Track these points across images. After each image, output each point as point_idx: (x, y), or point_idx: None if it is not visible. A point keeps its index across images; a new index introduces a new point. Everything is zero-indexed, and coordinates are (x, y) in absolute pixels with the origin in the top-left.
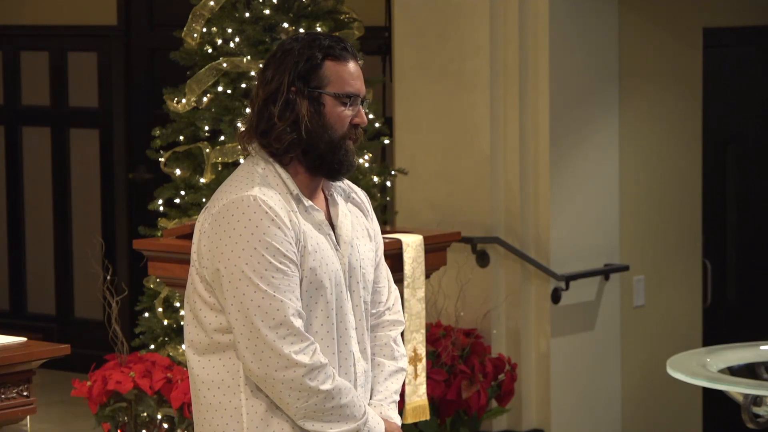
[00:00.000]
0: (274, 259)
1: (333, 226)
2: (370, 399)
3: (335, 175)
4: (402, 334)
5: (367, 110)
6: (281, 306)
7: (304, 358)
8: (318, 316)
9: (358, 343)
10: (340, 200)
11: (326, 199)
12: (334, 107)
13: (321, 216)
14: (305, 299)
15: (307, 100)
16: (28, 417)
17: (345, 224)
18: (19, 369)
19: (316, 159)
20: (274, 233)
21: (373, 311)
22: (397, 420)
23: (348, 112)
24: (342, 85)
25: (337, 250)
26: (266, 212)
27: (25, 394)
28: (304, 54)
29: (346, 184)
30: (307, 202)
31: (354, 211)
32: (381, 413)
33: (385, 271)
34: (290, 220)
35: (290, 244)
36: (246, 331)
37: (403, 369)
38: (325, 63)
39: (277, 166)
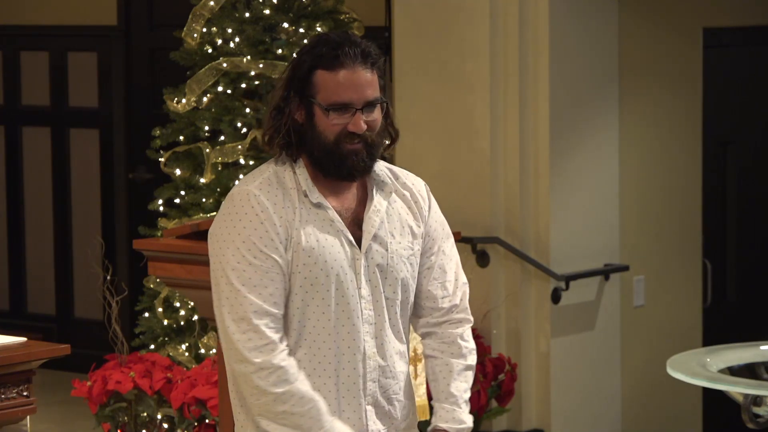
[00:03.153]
0: (249, 254)
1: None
2: (443, 402)
3: (341, 178)
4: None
5: (365, 115)
6: (244, 302)
7: (255, 356)
8: (315, 312)
9: (375, 338)
10: (377, 196)
11: (363, 195)
12: (323, 115)
13: (331, 213)
14: (300, 294)
15: (304, 106)
16: (28, 417)
17: (373, 220)
18: (19, 369)
19: (316, 163)
20: (255, 228)
21: (437, 307)
22: (469, 421)
23: (337, 120)
24: (329, 95)
25: (352, 246)
26: (253, 207)
27: (25, 394)
28: (299, 60)
29: (401, 180)
30: (316, 199)
31: (397, 207)
32: (454, 417)
33: (451, 267)
34: (281, 217)
35: (272, 240)
36: (218, 320)
37: (471, 366)
38: (316, 72)
39: (296, 163)
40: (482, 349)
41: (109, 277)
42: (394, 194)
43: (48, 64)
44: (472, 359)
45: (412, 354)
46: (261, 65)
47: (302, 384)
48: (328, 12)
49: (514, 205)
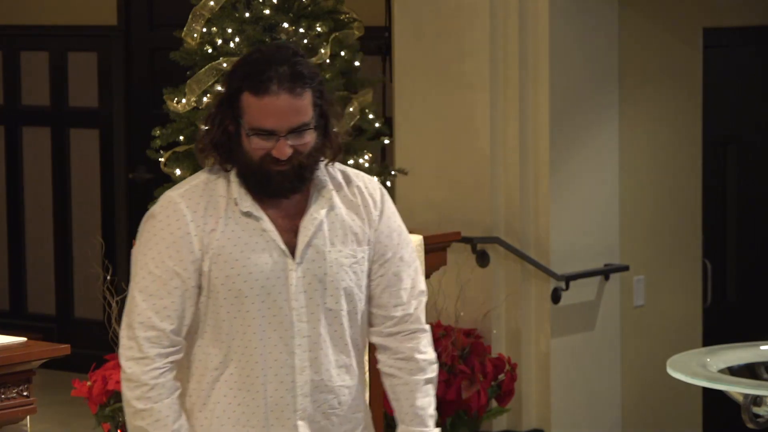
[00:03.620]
0: (152, 262)
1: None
2: (409, 425)
3: (267, 196)
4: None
5: (291, 140)
6: (135, 309)
7: (128, 366)
8: (241, 325)
9: (309, 351)
10: (315, 204)
11: (305, 202)
12: (246, 137)
13: (264, 223)
14: (226, 307)
15: (233, 122)
16: (28, 417)
17: (307, 229)
18: (19, 369)
19: (242, 178)
20: (163, 238)
21: (389, 315)
22: None
23: (260, 145)
24: (252, 119)
25: (286, 256)
26: (168, 215)
27: (25, 394)
28: (230, 77)
29: (352, 184)
30: (246, 208)
31: (341, 213)
32: None
33: (408, 274)
34: (198, 226)
35: (179, 252)
36: None
37: (431, 378)
38: (243, 93)
39: (232, 173)
40: (482, 349)
41: (109, 277)
42: (337, 200)
43: (48, 64)
44: (432, 371)
45: None
46: None
47: (166, 408)
48: (328, 12)
49: (514, 205)
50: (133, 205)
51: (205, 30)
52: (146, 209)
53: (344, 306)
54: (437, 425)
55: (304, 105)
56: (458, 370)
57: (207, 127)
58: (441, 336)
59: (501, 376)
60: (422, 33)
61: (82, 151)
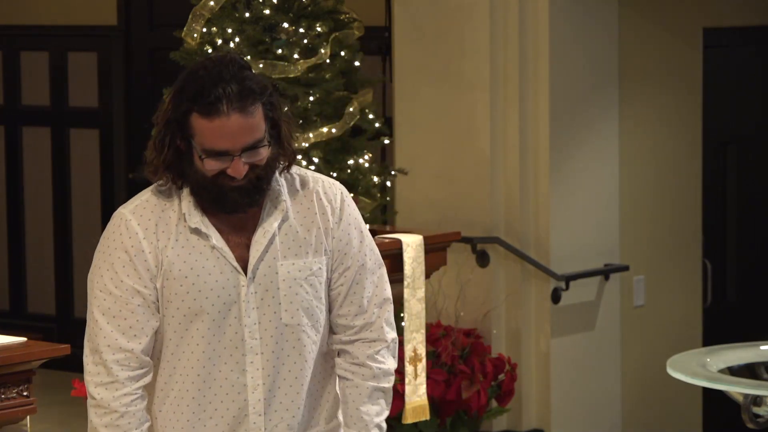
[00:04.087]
0: (110, 283)
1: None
2: (351, 428)
3: (225, 212)
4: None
5: (246, 157)
6: (99, 333)
7: (97, 392)
8: (189, 344)
9: (262, 369)
10: (268, 218)
11: (259, 215)
12: (198, 157)
13: (214, 239)
14: (173, 326)
15: (184, 141)
16: (28, 417)
17: (260, 243)
18: (19, 369)
19: (195, 195)
20: (119, 256)
21: (349, 324)
22: None
23: (214, 166)
24: (204, 141)
25: (238, 272)
26: (121, 233)
27: (25, 394)
28: (178, 96)
29: (308, 189)
30: (194, 224)
31: (294, 224)
32: None
33: (371, 281)
34: (151, 243)
35: (135, 270)
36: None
37: (383, 388)
38: (192, 114)
39: (186, 188)
40: (482, 349)
41: None
42: (291, 210)
43: (48, 64)
44: (387, 381)
45: (412, 354)
46: (261, 65)
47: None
48: (328, 12)
49: (514, 205)
50: None
51: (205, 30)
52: None
53: (303, 320)
54: (437, 425)
55: (256, 122)
56: (458, 370)
57: (156, 148)
58: (441, 336)
59: (501, 376)
60: (422, 33)
61: (82, 151)
